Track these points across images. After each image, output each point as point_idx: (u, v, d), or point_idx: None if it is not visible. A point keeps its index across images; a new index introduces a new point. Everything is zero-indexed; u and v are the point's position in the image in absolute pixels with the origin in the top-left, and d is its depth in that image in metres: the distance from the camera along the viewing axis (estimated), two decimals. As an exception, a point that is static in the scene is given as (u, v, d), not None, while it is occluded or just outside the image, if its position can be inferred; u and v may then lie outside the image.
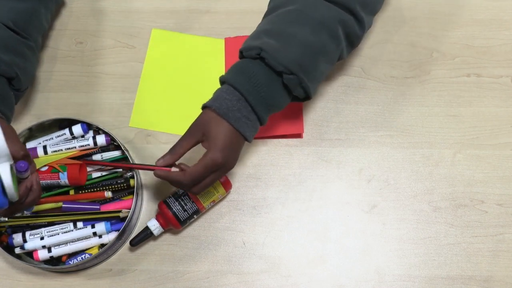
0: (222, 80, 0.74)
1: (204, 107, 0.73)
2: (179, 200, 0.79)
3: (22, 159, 0.64)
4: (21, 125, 0.88)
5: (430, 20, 0.94)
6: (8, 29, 0.77)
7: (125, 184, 0.82)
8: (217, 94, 0.73)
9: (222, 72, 0.91)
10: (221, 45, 0.93)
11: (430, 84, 0.91)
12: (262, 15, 0.94)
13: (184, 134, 0.73)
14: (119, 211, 0.79)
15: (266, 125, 0.87)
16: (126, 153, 0.81)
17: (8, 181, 0.61)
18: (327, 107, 0.90)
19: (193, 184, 0.71)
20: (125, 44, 0.94)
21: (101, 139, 0.81)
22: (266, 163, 0.87)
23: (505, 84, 0.91)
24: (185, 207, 0.79)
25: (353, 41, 0.79)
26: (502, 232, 0.83)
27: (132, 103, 0.90)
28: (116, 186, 0.81)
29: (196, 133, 0.72)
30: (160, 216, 0.80)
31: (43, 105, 0.90)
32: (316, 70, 0.75)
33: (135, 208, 0.79)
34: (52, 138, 0.82)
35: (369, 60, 0.92)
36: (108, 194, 0.81)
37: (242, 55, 0.75)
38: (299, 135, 0.88)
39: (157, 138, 0.88)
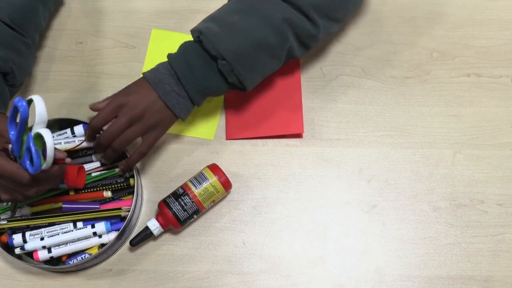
0: (167, 57, 0.78)
1: (142, 74, 0.78)
2: (179, 200, 0.79)
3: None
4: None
5: (430, 20, 0.94)
6: (5, 25, 0.78)
7: (125, 184, 0.81)
8: (156, 67, 0.78)
9: None
10: None
11: (430, 84, 0.91)
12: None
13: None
14: (120, 209, 0.79)
15: (266, 125, 0.88)
16: (126, 152, 0.81)
17: (50, 143, 0.64)
18: (327, 107, 0.90)
19: (101, 125, 0.75)
20: (125, 44, 0.94)
21: (79, 129, 0.81)
22: (266, 163, 0.87)
23: (505, 84, 0.91)
24: (185, 207, 0.79)
25: (305, 42, 0.80)
26: (502, 232, 0.83)
27: (132, 103, 0.90)
28: (115, 185, 0.81)
29: (127, 88, 0.77)
30: (160, 216, 0.80)
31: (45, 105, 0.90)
32: (253, 62, 0.76)
33: (135, 208, 0.79)
34: (54, 137, 0.82)
35: (369, 60, 0.92)
36: (108, 194, 0.81)
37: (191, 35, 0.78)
38: (299, 135, 0.88)
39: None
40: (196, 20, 0.95)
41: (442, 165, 0.86)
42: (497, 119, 0.89)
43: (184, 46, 0.78)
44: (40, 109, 0.65)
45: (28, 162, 0.66)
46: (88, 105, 0.90)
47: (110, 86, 0.91)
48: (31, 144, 0.64)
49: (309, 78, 0.91)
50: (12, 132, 0.67)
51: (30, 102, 0.65)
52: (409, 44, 0.93)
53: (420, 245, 0.82)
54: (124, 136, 0.75)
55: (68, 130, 0.82)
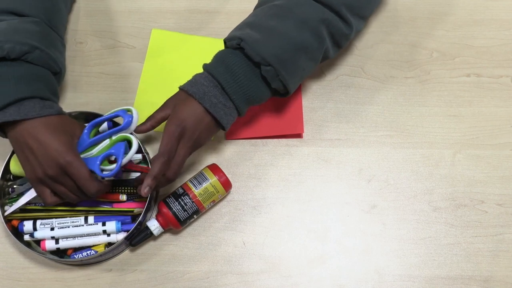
0: (203, 68, 0.77)
1: (181, 89, 0.76)
2: (179, 200, 0.79)
3: None
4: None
5: (430, 20, 0.95)
6: (47, 26, 0.79)
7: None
8: (195, 79, 0.75)
9: None
10: (221, 45, 0.93)
11: (430, 84, 0.91)
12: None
13: (159, 107, 0.78)
14: (132, 210, 0.79)
15: (266, 125, 0.88)
16: (147, 156, 0.81)
17: (134, 149, 0.70)
18: (327, 107, 0.90)
19: (168, 161, 0.72)
20: (125, 44, 0.94)
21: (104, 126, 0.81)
22: (266, 163, 0.87)
23: (505, 84, 0.91)
24: (185, 207, 0.79)
25: (339, 41, 0.80)
26: (502, 232, 0.83)
27: (132, 103, 0.90)
28: (131, 189, 0.81)
29: (169, 106, 0.76)
30: (160, 216, 0.80)
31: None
32: (295, 65, 0.76)
33: (147, 211, 0.80)
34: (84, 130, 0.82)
35: (369, 60, 0.92)
36: (123, 197, 0.80)
37: (225, 45, 0.77)
38: (299, 135, 0.88)
39: (157, 138, 0.88)
40: (196, 20, 0.95)
41: (442, 165, 0.86)
42: (497, 119, 0.89)
43: (223, 55, 0.76)
44: (135, 119, 0.73)
45: (98, 163, 0.70)
46: (88, 105, 0.91)
47: (110, 86, 0.91)
48: (120, 149, 0.70)
49: (309, 78, 0.91)
50: (85, 131, 0.74)
51: (128, 111, 0.73)
52: (409, 44, 0.93)
53: (420, 245, 0.82)
54: (182, 162, 0.75)
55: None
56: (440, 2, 0.96)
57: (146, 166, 0.79)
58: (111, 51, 0.94)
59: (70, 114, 0.84)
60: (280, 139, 0.88)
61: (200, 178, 0.80)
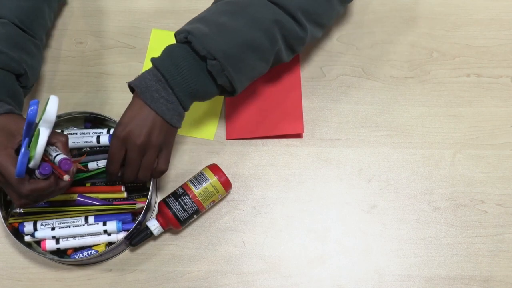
0: (151, 61, 0.74)
1: (127, 83, 0.75)
2: (179, 200, 0.79)
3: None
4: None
5: (430, 20, 0.95)
6: (16, 27, 0.78)
7: (141, 183, 0.82)
8: (142, 73, 0.74)
9: None
10: None
11: (430, 84, 0.91)
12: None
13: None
14: (134, 204, 0.79)
15: (266, 125, 0.88)
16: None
17: (42, 142, 0.62)
18: (327, 107, 0.90)
19: (133, 173, 0.74)
20: (125, 44, 0.94)
21: (104, 139, 0.81)
22: (266, 163, 0.87)
23: (505, 84, 0.91)
24: (185, 207, 0.79)
25: (292, 45, 0.79)
26: (502, 232, 0.83)
27: (132, 103, 0.90)
28: (132, 184, 0.81)
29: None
30: (160, 216, 0.80)
31: (44, 104, 0.90)
32: (243, 63, 0.74)
33: (148, 209, 0.80)
34: (77, 134, 0.82)
35: (369, 60, 0.92)
36: (123, 194, 0.81)
37: (176, 39, 0.76)
38: (299, 135, 0.88)
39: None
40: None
41: (442, 165, 0.86)
42: (497, 119, 0.89)
43: (170, 49, 0.74)
44: (50, 108, 0.64)
45: (24, 162, 0.63)
46: (88, 105, 0.90)
47: (110, 86, 0.91)
48: (23, 145, 0.63)
49: (309, 78, 0.91)
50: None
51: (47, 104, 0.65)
52: (409, 44, 0.93)
53: (420, 245, 0.82)
54: (143, 167, 0.74)
55: (94, 139, 0.81)
56: (440, 2, 0.96)
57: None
58: (111, 51, 0.94)
59: (69, 114, 0.84)
60: (280, 139, 0.88)
61: (200, 178, 0.80)
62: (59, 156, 0.66)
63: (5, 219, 0.78)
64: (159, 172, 0.76)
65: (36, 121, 0.65)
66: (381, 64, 0.92)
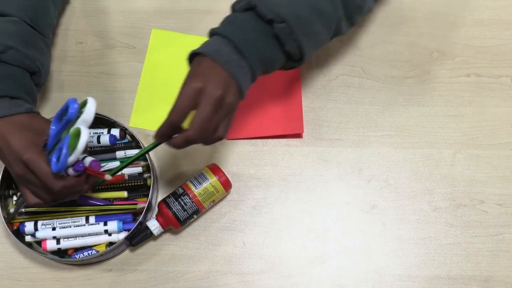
0: (210, 33, 0.71)
1: (191, 55, 0.70)
2: (179, 200, 0.79)
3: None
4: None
5: (430, 20, 0.95)
6: (26, 24, 0.78)
7: (142, 182, 0.82)
8: (204, 42, 0.70)
9: None
10: None
11: (430, 84, 0.91)
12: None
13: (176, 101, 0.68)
14: (135, 204, 0.79)
15: (266, 125, 0.88)
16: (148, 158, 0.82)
17: (83, 140, 0.63)
18: (327, 107, 0.90)
19: (201, 130, 0.66)
20: (125, 44, 0.94)
21: (104, 139, 0.81)
22: (266, 163, 0.87)
23: (505, 84, 0.91)
24: (185, 207, 0.79)
25: (351, 14, 0.77)
26: (502, 232, 0.83)
27: (132, 103, 0.90)
28: (133, 183, 0.81)
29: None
30: (160, 216, 0.80)
31: (44, 105, 0.90)
32: (310, 26, 0.72)
33: (149, 209, 0.80)
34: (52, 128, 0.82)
35: (369, 60, 0.92)
36: (124, 194, 0.81)
37: (233, 10, 0.73)
38: (299, 135, 0.88)
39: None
40: (196, 20, 0.95)
41: (442, 165, 0.86)
42: (497, 119, 0.89)
43: (232, 18, 0.71)
44: (90, 109, 0.65)
45: (54, 160, 0.66)
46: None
47: (110, 86, 0.91)
48: (65, 142, 0.64)
49: (309, 78, 0.91)
50: (53, 127, 0.68)
51: (83, 104, 0.66)
52: (409, 44, 0.93)
53: (420, 245, 0.82)
54: (211, 126, 0.66)
55: (95, 139, 0.81)
56: (440, 2, 0.96)
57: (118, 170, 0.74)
58: (111, 51, 0.94)
59: None
60: (280, 139, 0.88)
61: (200, 178, 0.80)
62: (88, 158, 0.69)
63: (7, 221, 0.78)
64: (217, 138, 0.69)
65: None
66: (381, 64, 0.92)
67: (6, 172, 0.80)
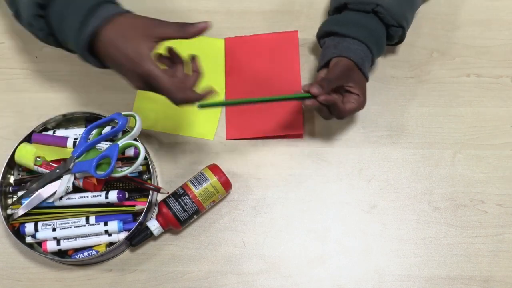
0: (342, 33, 0.81)
1: (341, 56, 0.80)
2: (179, 200, 0.79)
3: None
4: (23, 124, 0.88)
5: (430, 20, 0.94)
6: None
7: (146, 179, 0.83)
8: (346, 46, 0.80)
9: (222, 72, 0.91)
10: (221, 45, 0.93)
11: (430, 84, 0.91)
12: (262, 15, 0.95)
13: (333, 73, 0.78)
14: (133, 206, 0.79)
15: (267, 126, 0.88)
16: (150, 165, 0.82)
17: (143, 152, 0.75)
18: (327, 107, 0.89)
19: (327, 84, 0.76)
20: (125, 44, 0.94)
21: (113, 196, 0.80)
22: (266, 163, 0.87)
23: (505, 84, 0.91)
24: (185, 207, 0.79)
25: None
26: (502, 232, 0.83)
27: (132, 103, 0.90)
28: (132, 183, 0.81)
29: (344, 75, 0.79)
30: (160, 216, 0.80)
31: (44, 105, 0.90)
32: (411, 20, 0.86)
33: (149, 209, 0.80)
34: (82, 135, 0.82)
35: (369, 60, 0.92)
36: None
37: (344, 7, 0.83)
38: (299, 135, 0.88)
39: (157, 138, 0.88)
40: (196, 20, 0.95)
41: (442, 165, 0.86)
42: (497, 119, 0.89)
43: (355, 20, 0.82)
44: (138, 126, 0.76)
45: (94, 165, 0.74)
46: (88, 105, 0.90)
47: (110, 86, 0.91)
48: (114, 154, 0.73)
49: (310, 78, 0.91)
50: (84, 135, 0.78)
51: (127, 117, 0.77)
52: (409, 44, 0.93)
53: (420, 245, 0.82)
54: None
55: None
56: (440, 2, 0.96)
57: (150, 183, 0.81)
58: (111, 51, 0.93)
59: (72, 114, 0.84)
60: (280, 139, 0.88)
61: (200, 178, 0.80)
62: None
63: (7, 221, 0.78)
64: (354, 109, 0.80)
65: None
66: (381, 64, 0.92)
67: (5, 172, 0.81)
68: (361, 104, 0.80)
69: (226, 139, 0.88)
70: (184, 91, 0.68)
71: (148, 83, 0.68)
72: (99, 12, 0.69)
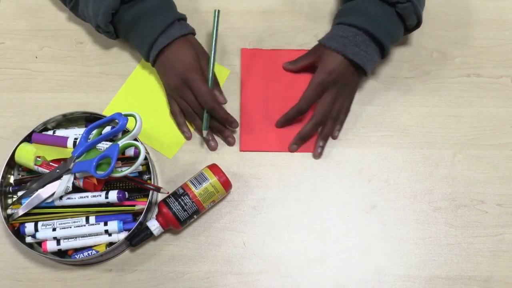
0: (337, 23, 0.83)
1: (321, 43, 0.83)
2: (179, 200, 0.79)
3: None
4: (23, 124, 0.88)
5: (430, 20, 0.95)
6: None
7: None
8: (332, 33, 0.82)
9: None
10: (225, 74, 0.92)
11: (430, 84, 0.91)
12: (262, 15, 0.95)
13: (304, 54, 0.87)
14: (133, 206, 0.79)
15: (282, 140, 0.87)
16: (151, 165, 0.82)
17: (143, 153, 0.75)
18: (327, 107, 0.89)
19: (308, 106, 0.83)
20: (125, 43, 0.94)
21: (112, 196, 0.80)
22: (266, 163, 0.87)
23: (505, 84, 0.91)
24: (185, 207, 0.79)
25: None
26: (502, 232, 0.83)
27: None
28: (132, 183, 0.81)
29: (314, 54, 0.84)
30: (160, 216, 0.80)
31: (44, 105, 0.90)
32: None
33: (149, 209, 0.80)
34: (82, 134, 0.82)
35: (369, 60, 0.92)
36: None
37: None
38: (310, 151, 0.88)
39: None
40: (196, 20, 0.95)
41: (442, 165, 0.86)
42: (497, 119, 0.89)
43: (350, 7, 0.82)
44: (139, 126, 0.77)
45: (94, 164, 0.74)
46: (88, 105, 0.90)
47: (110, 86, 0.91)
48: (114, 154, 0.73)
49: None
50: (84, 135, 0.78)
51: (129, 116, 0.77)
52: (409, 44, 0.93)
53: (420, 245, 0.82)
54: (326, 104, 0.83)
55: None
56: (440, 2, 0.96)
57: (150, 183, 0.81)
58: (111, 51, 0.94)
59: (72, 114, 0.84)
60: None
61: (200, 178, 0.80)
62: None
63: (7, 221, 0.78)
64: (340, 124, 0.86)
65: None
66: (381, 64, 0.92)
67: (5, 172, 0.81)
68: (315, 83, 0.82)
69: (240, 151, 0.87)
70: (215, 100, 0.82)
71: (187, 84, 0.82)
72: (168, 32, 0.83)
